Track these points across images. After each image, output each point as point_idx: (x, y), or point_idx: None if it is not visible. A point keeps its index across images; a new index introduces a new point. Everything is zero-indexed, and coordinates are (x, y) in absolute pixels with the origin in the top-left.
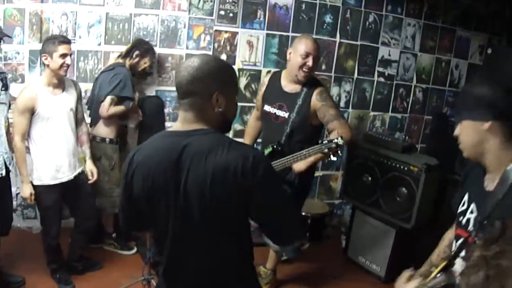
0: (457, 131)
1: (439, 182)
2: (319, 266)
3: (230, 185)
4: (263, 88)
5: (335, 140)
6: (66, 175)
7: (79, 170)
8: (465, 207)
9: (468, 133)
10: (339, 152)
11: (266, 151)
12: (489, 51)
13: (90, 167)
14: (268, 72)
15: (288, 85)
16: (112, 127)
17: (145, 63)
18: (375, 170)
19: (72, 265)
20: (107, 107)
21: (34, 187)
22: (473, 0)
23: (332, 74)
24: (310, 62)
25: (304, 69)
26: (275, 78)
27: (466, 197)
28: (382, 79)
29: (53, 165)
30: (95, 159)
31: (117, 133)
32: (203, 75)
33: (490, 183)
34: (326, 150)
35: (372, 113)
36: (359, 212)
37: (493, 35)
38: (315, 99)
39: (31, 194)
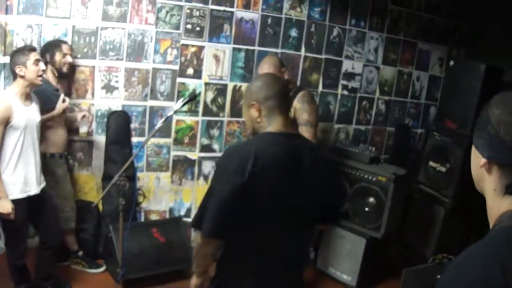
0: None
1: (406, 191)
2: None
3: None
4: None
5: None
6: (33, 189)
7: (43, 184)
8: None
9: (472, 161)
10: None
11: None
12: (451, 63)
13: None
14: (234, 87)
15: None
16: (53, 141)
17: (60, 57)
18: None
19: (40, 284)
20: None
21: None
22: (433, 14)
23: None
24: None
25: None
26: None
27: None
28: (346, 92)
29: (21, 177)
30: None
31: (59, 147)
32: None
33: None
34: None
35: (336, 126)
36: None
37: (452, 48)
38: (296, 101)
39: (12, 209)
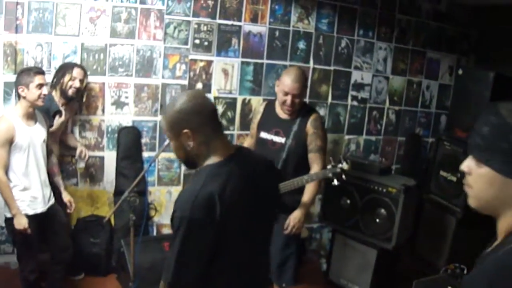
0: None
1: (417, 202)
2: None
3: None
4: (258, 116)
5: (340, 165)
6: (40, 207)
7: (51, 201)
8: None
9: (489, 185)
10: (343, 176)
11: None
12: (460, 72)
13: (67, 198)
14: (244, 100)
15: (282, 113)
16: None
17: (68, 79)
18: (354, 193)
19: None
20: None
21: (13, 219)
22: (442, 22)
23: (307, 99)
24: (288, 101)
25: (285, 106)
26: (270, 106)
27: None
28: (355, 103)
29: (28, 196)
30: None
31: None
32: None
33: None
34: (330, 175)
35: (346, 137)
36: (339, 235)
37: (461, 56)
38: (310, 125)
39: (28, 224)
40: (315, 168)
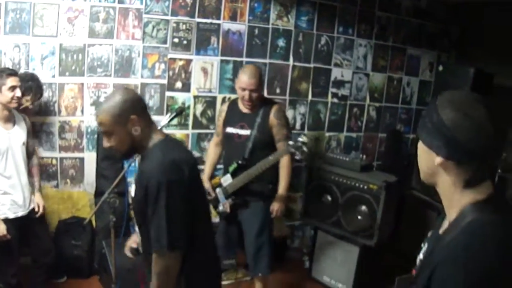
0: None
1: (398, 198)
2: None
3: None
4: (223, 114)
5: (299, 139)
6: (21, 210)
7: (32, 205)
8: (422, 245)
9: (422, 157)
10: (304, 149)
11: (231, 168)
12: (440, 68)
13: (37, 200)
14: (223, 99)
15: (245, 108)
16: None
17: (26, 101)
18: (335, 190)
19: None
20: None
21: None
22: (422, 19)
23: (287, 97)
24: (246, 96)
25: (244, 101)
26: (233, 103)
27: (429, 234)
28: (336, 100)
29: (9, 200)
30: None
31: None
32: None
33: (444, 225)
34: (292, 150)
35: (327, 134)
36: (321, 232)
37: (442, 52)
38: (272, 116)
39: (6, 230)
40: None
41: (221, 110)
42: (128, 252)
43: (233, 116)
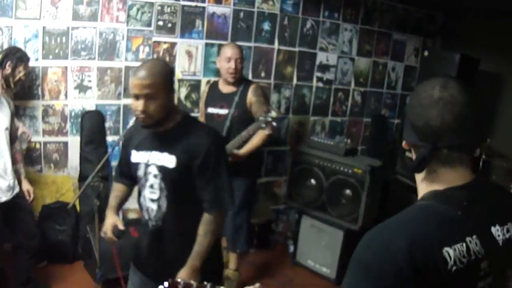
0: None
1: (382, 183)
2: (268, 273)
3: None
4: (204, 95)
5: (270, 114)
6: (5, 196)
7: (16, 190)
8: None
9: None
10: (273, 124)
11: None
12: (426, 53)
13: (26, 187)
14: (208, 82)
15: (225, 88)
16: None
17: (19, 72)
18: (319, 174)
19: None
20: None
21: None
22: (408, 4)
23: (272, 81)
24: (232, 64)
25: (229, 71)
26: (214, 85)
27: None
28: (320, 84)
29: None
30: None
31: None
32: None
33: None
34: (263, 125)
35: (312, 118)
36: (306, 216)
37: (427, 38)
38: (251, 95)
39: None
40: (260, 132)
41: (203, 91)
42: (109, 234)
43: (213, 96)
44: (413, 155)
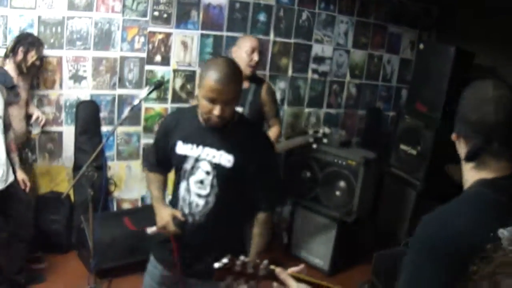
0: None
1: (377, 175)
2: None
3: None
4: None
5: (322, 130)
6: None
7: (11, 179)
8: None
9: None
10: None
11: None
12: (421, 46)
13: (21, 176)
14: None
15: (246, 73)
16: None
17: (32, 56)
18: (314, 166)
19: (13, 278)
20: None
21: None
22: None
23: (267, 72)
24: (256, 57)
25: (251, 64)
26: None
27: None
28: (316, 76)
29: None
30: None
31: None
32: None
33: None
34: (311, 140)
35: (307, 110)
36: (300, 208)
37: (423, 31)
38: (265, 93)
39: None
40: (274, 129)
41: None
42: (171, 227)
43: None
44: (460, 147)
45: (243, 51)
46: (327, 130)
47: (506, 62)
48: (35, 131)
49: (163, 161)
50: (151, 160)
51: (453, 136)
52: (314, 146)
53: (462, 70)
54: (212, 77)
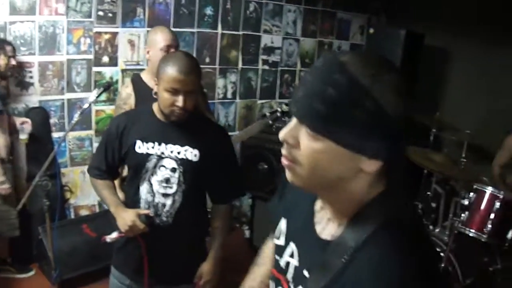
0: None
1: None
2: (225, 259)
3: None
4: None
5: (280, 109)
6: None
7: None
8: (281, 241)
9: (334, 163)
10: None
11: None
12: (371, 31)
13: None
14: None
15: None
16: None
17: (2, 59)
18: (271, 158)
19: None
20: None
21: None
22: None
23: (217, 66)
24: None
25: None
26: (138, 80)
27: (283, 225)
28: (266, 67)
29: None
30: None
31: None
32: None
33: (326, 227)
34: (270, 122)
35: (259, 101)
36: (259, 201)
37: (372, 15)
38: None
39: None
40: None
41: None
42: (139, 225)
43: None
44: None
45: (157, 49)
46: (284, 107)
47: (456, 42)
48: (23, 136)
49: (112, 167)
50: (99, 166)
51: (372, 167)
52: (274, 127)
53: (413, 52)
54: (173, 68)
